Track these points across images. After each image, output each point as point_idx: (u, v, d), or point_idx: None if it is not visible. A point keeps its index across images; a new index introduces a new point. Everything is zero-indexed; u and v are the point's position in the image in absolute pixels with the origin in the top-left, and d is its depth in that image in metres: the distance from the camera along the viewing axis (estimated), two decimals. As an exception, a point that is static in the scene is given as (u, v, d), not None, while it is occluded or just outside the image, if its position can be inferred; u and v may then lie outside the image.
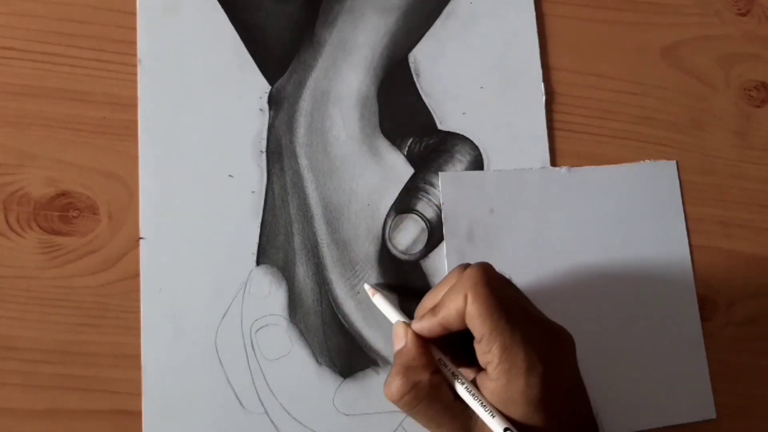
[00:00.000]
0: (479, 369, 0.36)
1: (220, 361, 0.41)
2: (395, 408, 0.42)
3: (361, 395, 0.42)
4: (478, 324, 0.34)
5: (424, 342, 0.36)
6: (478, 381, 0.35)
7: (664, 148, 0.49)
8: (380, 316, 0.42)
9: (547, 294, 0.43)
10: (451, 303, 0.35)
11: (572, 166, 0.47)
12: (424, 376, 0.35)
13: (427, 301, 0.38)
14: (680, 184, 0.48)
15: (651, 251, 0.46)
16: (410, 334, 0.37)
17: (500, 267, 0.38)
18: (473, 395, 0.35)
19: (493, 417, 0.34)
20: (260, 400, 0.41)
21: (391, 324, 0.38)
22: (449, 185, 0.45)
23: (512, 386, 0.34)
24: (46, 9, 0.43)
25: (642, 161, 0.48)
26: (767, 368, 0.48)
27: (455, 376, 0.36)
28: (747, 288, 0.48)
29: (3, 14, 0.43)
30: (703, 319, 0.47)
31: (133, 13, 0.44)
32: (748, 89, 0.51)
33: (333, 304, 0.43)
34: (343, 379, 0.42)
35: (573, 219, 0.46)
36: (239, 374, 0.41)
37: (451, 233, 0.44)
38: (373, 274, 0.43)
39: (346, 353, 0.43)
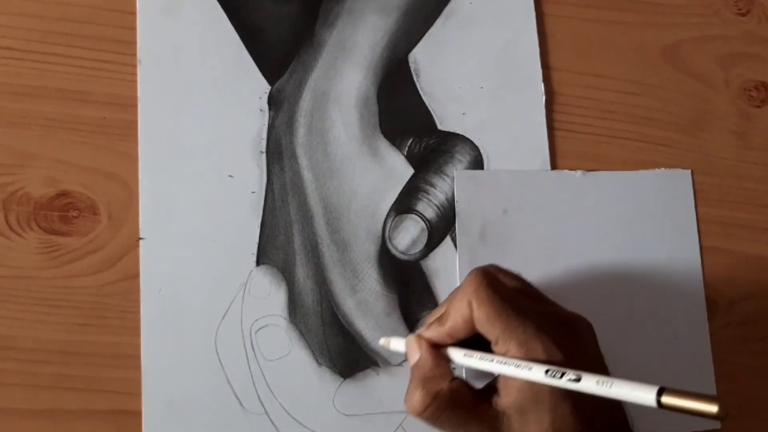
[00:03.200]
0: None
1: (220, 361, 0.41)
2: (395, 408, 0.42)
3: (361, 396, 0.42)
4: (489, 327, 0.34)
5: (438, 352, 0.36)
6: (501, 383, 0.35)
7: (664, 148, 0.49)
8: (380, 317, 0.42)
9: (558, 297, 0.42)
10: (456, 312, 0.35)
11: (574, 169, 0.47)
12: (444, 384, 0.35)
13: (435, 311, 0.38)
14: (694, 193, 0.48)
15: (663, 259, 0.46)
16: (424, 346, 0.36)
17: (511, 268, 0.38)
18: (503, 361, 0.34)
19: (531, 369, 0.33)
20: (260, 400, 0.41)
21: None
22: (464, 183, 0.45)
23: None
24: (46, 9, 0.43)
25: (657, 169, 0.48)
26: (767, 368, 0.47)
27: (479, 358, 0.35)
28: (747, 288, 0.48)
29: (3, 14, 0.43)
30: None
31: (133, 13, 0.44)
32: (748, 89, 0.51)
33: (333, 304, 0.43)
34: (343, 379, 0.42)
35: (586, 223, 0.46)
36: (239, 374, 0.41)
37: (463, 231, 0.44)
38: (372, 274, 0.43)
39: (346, 354, 0.43)
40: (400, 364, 0.43)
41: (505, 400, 0.35)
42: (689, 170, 0.48)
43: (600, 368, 0.36)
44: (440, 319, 0.36)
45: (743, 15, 0.52)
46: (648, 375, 0.44)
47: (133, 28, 0.44)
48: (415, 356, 0.37)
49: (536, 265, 0.44)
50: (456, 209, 0.45)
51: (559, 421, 0.34)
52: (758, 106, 0.51)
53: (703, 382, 0.46)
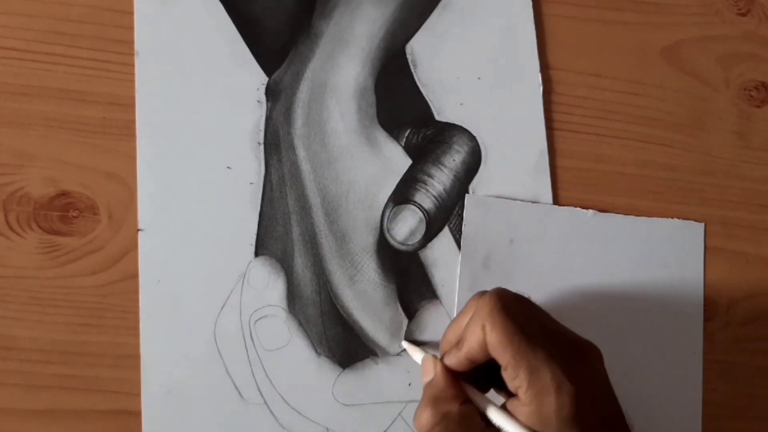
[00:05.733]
0: (509, 394, 0.36)
1: (219, 352, 0.41)
2: (394, 398, 0.42)
3: (360, 385, 0.42)
4: (500, 352, 0.34)
5: (452, 374, 0.36)
6: (510, 407, 0.35)
7: (664, 148, 0.49)
8: (379, 307, 0.42)
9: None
10: (472, 336, 0.35)
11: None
12: (453, 407, 0.35)
13: (450, 334, 0.38)
14: (705, 248, 0.48)
15: (666, 305, 0.46)
16: (439, 367, 0.37)
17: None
18: (508, 419, 0.34)
19: None
20: (259, 390, 0.41)
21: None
22: (473, 208, 0.45)
23: (544, 408, 0.33)
24: (46, 9, 0.44)
25: (670, 218, 0.47)
26: (767, 368, 0.47)
27: (488, 402, 0.35)
28: (747, 288, 0.48)
29: (3, 14, 0.43)
30: (704, 319, 0.47)
31: (132, 13, 0.44)
32: (748, 89, 0.51)
33: (331, 294, 0.43)
34: (342, 369, 0.42)
35: (591, 262, 0.46)
36: (238, 365, 0.41)
37: (467, 257, 0.44)
38: (371, 264, 0.43)
39: (345, 344, 0.43)
40: (398, 354, 0.43)
41: None
42: (702, 224, 0.48)
43: (607, 395, 0.36)
44: (458, 345, 0.37)
45: (743, 15, 0.52)
46: (635, 408, 0.44)
47: (132, 28, 0.44)
48: (428, 375, 0.37)
49: (537, 298, 0.44)
50: (462, 233, 0.45)
51: None
52: (758, 106, 0.51)
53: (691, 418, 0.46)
